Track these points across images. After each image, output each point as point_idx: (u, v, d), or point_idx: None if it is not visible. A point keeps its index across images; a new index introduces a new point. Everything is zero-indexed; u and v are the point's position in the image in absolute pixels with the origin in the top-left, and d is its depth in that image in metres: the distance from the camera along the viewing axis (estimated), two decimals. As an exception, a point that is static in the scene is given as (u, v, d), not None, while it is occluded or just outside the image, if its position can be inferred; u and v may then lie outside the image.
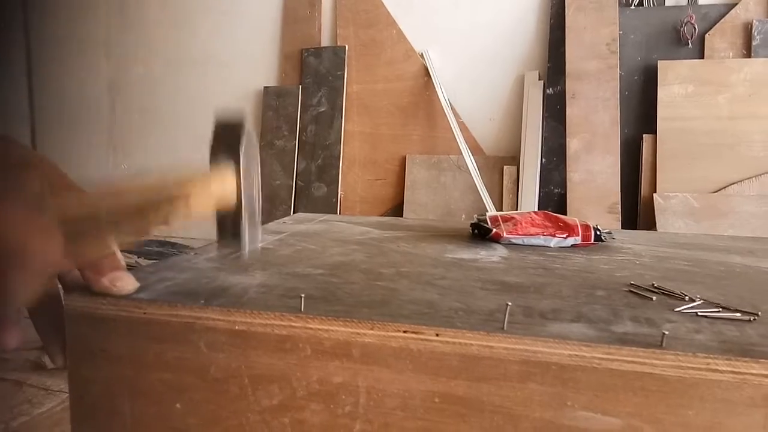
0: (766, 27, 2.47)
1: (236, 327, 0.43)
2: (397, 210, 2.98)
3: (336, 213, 3.02)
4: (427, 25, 2.97)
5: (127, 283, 0.46)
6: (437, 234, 0.78)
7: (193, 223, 0.45)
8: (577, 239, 0.70)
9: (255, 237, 0.49)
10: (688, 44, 2.53)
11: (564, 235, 0.70)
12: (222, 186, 0.46)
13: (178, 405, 0.45)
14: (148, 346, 0.45)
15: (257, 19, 3.19)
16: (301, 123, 3.09)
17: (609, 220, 2.44)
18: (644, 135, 2.51)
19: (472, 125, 2.92)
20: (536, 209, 2.83)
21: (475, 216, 0.76)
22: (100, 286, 0.45)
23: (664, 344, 0.38)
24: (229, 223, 0.47)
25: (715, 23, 2.53)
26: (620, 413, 0.38)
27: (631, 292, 0.50)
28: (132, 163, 3.49)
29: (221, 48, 3.28)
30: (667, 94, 2.47)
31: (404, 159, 3.00)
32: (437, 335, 0.41)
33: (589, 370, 0.38)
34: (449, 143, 2.89)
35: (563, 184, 2.59)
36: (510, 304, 0.42)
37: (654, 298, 0.47)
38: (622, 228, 2.46)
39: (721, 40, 2.51)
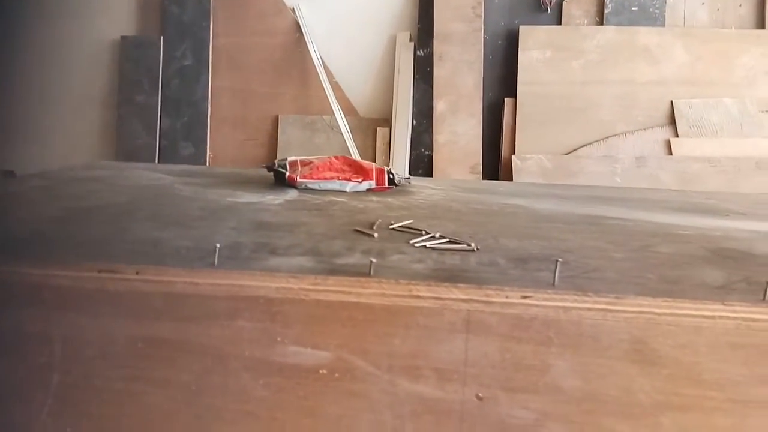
0: (617, -3, 2.62)
1: None
2: (270, 171, 2.90)
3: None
4: (299, -21, 2.85)
5: None
6: (239, 181, 0.74)
7: None
8: (371, 183, 0.68)
9: None
10: (548, 10, 2.63)
11: (359, 180, 0.68)
12: None
13: None
14: None
15: (111, -39, 2.90)
16: (163, 77, 2.88)
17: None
18: (506, 98, 2.60)
19: (346, 85, 2.87)
20: (407, 172, 2.87)
21: (276, 161, 0.73)
22: None
23: (372, 273, 0.37)
24: None
25: (573, -9, 2.65)
26: (330, 345, 0.37)
27: (358, 231, 0.49)
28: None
29: (69, -9, 2.95)
30: (527, 58, 2.57)
31: (277, 118, 2.90)
32: (137, 273, 0.37)
33: (297, 302, 0.36)
34: (323, 103, 2.83)
35: (433, 146, 2.64)
36: (219, 246, 0.38)
37: (376, 235, 0.46)
38: (485, 188, 2.55)
39: (577, 7, 2.64)
